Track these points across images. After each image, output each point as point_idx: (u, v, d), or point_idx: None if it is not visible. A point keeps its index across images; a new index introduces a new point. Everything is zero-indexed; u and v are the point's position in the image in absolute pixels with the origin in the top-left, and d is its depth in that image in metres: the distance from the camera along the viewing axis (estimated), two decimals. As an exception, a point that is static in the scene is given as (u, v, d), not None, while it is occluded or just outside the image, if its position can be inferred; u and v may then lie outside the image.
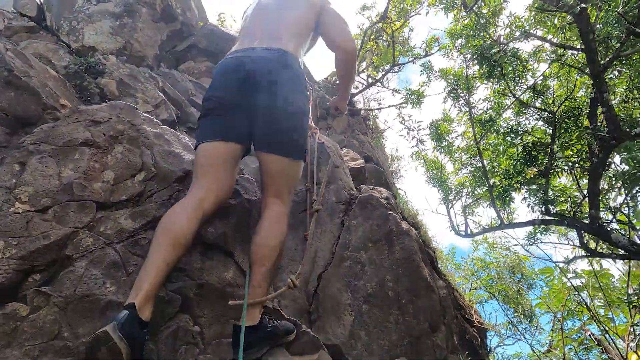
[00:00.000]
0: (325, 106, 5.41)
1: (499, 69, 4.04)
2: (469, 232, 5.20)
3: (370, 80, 5.75)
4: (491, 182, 4.53)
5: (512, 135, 4.27)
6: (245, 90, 1.64)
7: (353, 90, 5.91)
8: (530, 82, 4.33)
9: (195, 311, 1.59)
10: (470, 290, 6.87)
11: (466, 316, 4.27)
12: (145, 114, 2.02)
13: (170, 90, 2.64)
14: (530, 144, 4.06)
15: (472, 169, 4.73)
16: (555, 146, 3.86)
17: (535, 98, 4.24)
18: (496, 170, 4.52)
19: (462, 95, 4.57)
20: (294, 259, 2.40)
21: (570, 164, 3.89)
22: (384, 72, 5.50)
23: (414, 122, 5.05)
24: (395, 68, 5.68)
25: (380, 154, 6.50)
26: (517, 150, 4.30)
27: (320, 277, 2.32)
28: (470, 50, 4.40)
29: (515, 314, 5.88)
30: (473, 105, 4.50)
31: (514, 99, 4.29)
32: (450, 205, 5.58)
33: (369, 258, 2.45)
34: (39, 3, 3.07)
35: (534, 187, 4.04)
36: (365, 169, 3.83)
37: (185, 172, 1.90)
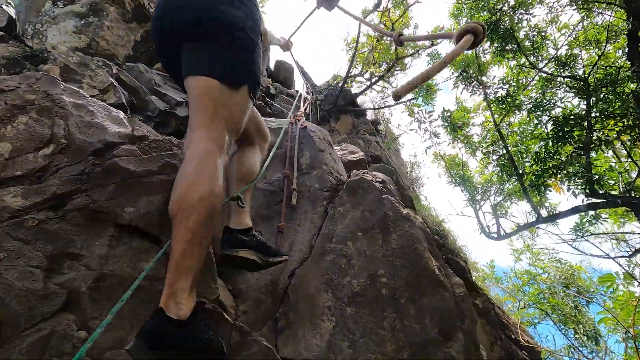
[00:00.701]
0: (326, 109, 5.08)
1: (513, 41, 3.54)
2: (501, 233, 4.48)
3: (374, 79, 5.38)
4: (520, 170, 3.88)
5: (539, 112, 3.67)
6: None
7: (355, 90, 5.55)
8: (553, 54, 3.76)
9: (88, 311, 1.17)
10: (518, 309, 5.96)
11: (512, 336, 3.52)
12: (67, 85, 1.72)
13: (127, 78, 2.39)
14: (561, 119, 3.43)
15: (496, 157, 4.11)
16: (591, 118, 3.22)
17: (561, 69, 3.65)
18: (524, 155, 3.87)
19: (473, 76, 4.06)
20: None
21: (615, 134, 3.21)
22: (387, 68, 5.11)
23: (424, 112, 4.56)
24: (400, 66, 5.28)
25: (395, 159, 5.98)
26: (547, 129, 3.67)
27: (292, 273, 1.84)
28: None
29: (576, 335, 4.92)
30: (487, 84, 3.97)
31: (535, 74, 3.73)
32: (477, 206, 4.90)
33: (357, 250, 1.94)
34: (9, 14, 3.01)
35: (573, 167, 3.37)
36: (365, 161, 3.37)
37: (107, 143, 1.55)
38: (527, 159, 3.84)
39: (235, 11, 1.31)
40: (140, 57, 3.29)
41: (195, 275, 1.05)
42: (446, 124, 4.47)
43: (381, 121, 6.58)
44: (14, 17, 2.98)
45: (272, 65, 6.82)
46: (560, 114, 3.56)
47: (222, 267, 1.85)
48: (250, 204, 1.62)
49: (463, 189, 4.95)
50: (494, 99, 3.86)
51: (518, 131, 4.02)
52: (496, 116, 3.99)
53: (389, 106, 5.48)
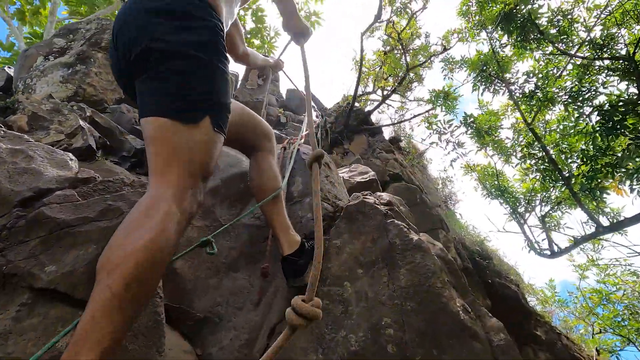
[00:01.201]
0: (337, 130, 4.78)
1: (534, 29, 3.11)
2: (554, 249, 3.81)
3: (385, 93, 5.05)
4: (566, 173, 3.31)
5: (578, 103, 3.13)
6: None
7: (369, 108, 5.23)
8: (585, 37, 3.27)
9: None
10: (592, 336, 5.03)
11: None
12: (10, 132, 1.56)
13: (102, 120, 2.25)
14: (608, 107, 2.88)
15: (534, 161, 3.54)
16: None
17: (599, 52, 3.13)
18: (569, 155, 3.30)
19: (493, 74, 3.62)
20: (242, 306, 1.61)
21: (682, 116, 2.61)
22: (398, 80, 4.78)
23: (443, 123, 4.12)
24: (416, 77, 4.94)
25: (421, 176, 5.50)
26: (591, 121, 3.11)
27: (273, 330, 1.47)
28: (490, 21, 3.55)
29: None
30: (511, 81, 3.50)
31: (567, 61, 3.24)
32: (522, 220, 4.26)
33: (356, 292, 1.54)
34: (9, 73, 3.08)
35: (633, 163, 2.77)
36: (377, 181, 2.98)
37: (38, 191, 1.34)
38: (573, 160, 3.26)
39: (185, 35, 1.06)
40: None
41: (104, 352, 0.74)
42: (470, 130, 3.99)
43: (402, 137, 6.18)
44: (12, 76, 3.03)
45: (283, 94, 6.74)
46: (605, 101, 3.00)
47: (187, 326, 1.53)
48: (234, 242, 1.74)
49: (502, 201, 4.36)
50: (520, 96, 3.37)
51: (557, 129, 3.46)
52: (527, 115, 3.48)
53: (402, 121, 5.08)
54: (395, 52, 5.10)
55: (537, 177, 3.54)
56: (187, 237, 1.81)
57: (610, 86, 3.10)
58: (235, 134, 1.48)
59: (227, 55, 1.17)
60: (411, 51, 4.78)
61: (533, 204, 4.24)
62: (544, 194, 3.97)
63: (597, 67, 3.15)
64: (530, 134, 3.41)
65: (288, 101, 6.28)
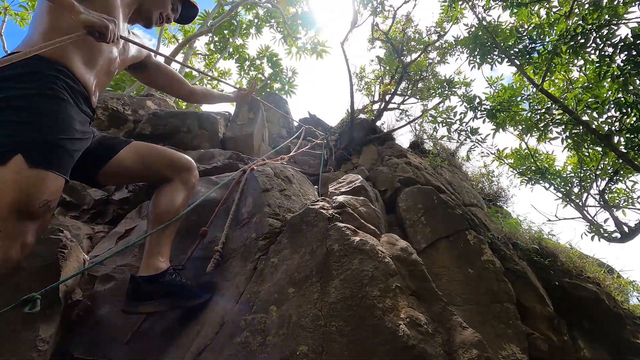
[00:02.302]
0: (342, 147, 4.54)
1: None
2: (625, 230, 3.03)
3: (387, 97, 4.73)
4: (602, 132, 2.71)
5: (592, 45, 2.60)
6: None
7: (366, 116, 4.93)
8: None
9: None
10: None
11: None
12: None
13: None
14: (630, 40, 2.34)
15: (561, 128, 2.93)
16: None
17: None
18: (600, 110, 2.68)
19: (488, 44, 3.17)
20: (168, 347, 1.40)
21: None
22: (397, 81, 4.46)
23: (449, 112, 3.67)
24: (415, 73, 4.61)
25: (451, 175, 4.93)
26: (615, 62, 2.54)
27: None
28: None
29: None
30: (509, 44, 3.04)
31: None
32: (579, 201, 3.51)
33: (280, 317, 1.25)
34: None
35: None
36: (364, 187, 2.64)
37: None
38: (607, 116, 2.64)
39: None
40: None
41: None
42: (480, 113, 3.49)
43: (425, 140, 5.73)
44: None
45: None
46: (629, 35, 2.46)
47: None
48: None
49: (546, 185, 3.68)
50: (519, 54, 2.88)
51: (578, 83, 2.85)
52: (537, 78, 2.96)
53: (408, 123, 4.66)
54: (392, 53, 4.84)
55: (569, 144, 2.90)
56: (126, 280, 1.69)
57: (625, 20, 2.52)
58: (142, 171, 1.49)
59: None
60: (405, 48, 4.48)
61: (588, 182, 3.50)
62: (595, 165, 3.26)
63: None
64: (547, 99, 2.86)
65: (298, 128, 6.25)
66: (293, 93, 11.46)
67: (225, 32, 10.47)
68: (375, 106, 4.97)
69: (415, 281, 1.34)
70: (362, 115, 5.07)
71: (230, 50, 10.51)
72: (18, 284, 1.26)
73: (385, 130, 4.68)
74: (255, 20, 10.58)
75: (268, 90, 10.87)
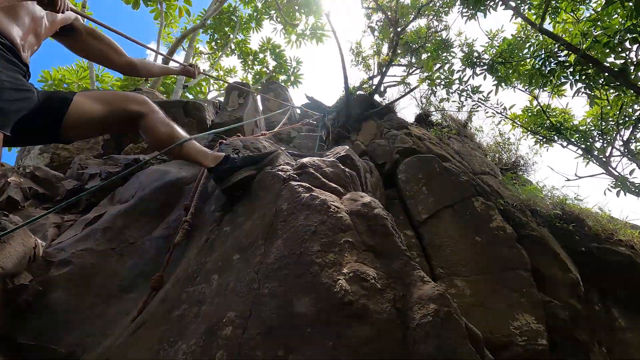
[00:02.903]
0: (340, 125, 4.33)
1: None
2: (654, 179, 2.68)
3: (384, 65, 4.46)
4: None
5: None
6: None
7: (389, 94, 4.68)
8: None
9: None
10: None
11: None
12: None
13: (40, 173, 2.31)
14: None
15: (569, 71, 2.60)
16: None
17: None
18: (612, 44, 2.34)
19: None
20: (112, 333, 1.29)
21: None
22: (391, 47, 4.19)
23: (445, 71, 3.38)
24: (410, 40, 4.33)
25: (460, 145, 4.62)
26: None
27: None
28: None
29: None
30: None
31: None
32: (602, 156, 3.16)
33: (219, 286, 1.12)
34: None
35: None
36: (350, 157, 2.44)
37: None
38: (618, 49, 2.30)
39: None
40: (115, 149, 3.34)
41: None
42: (480, 69, 3.19)
43: (431, 112, 5.44)
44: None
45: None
46: None
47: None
48: (139, 258, 1.65)
49: (564, 143, 3.36)
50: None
51: (583, 19, 2.51)
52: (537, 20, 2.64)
53: (407, 93, 4.38)
54: (385, 24, 4.58)
55: (580, 88, 2.57)
56: (84, 264, 1.60)
57: None
58: (106, 112, 1.39)
59: None
60: (398, 14, 4.20)
61: (611, 133, 3.15)
62: (617, 111, 2.91)
63: None
64: (550, 41, 2.54)
65: (305, 114, 6.09)
66: (299, 83, 11.30)
67: (226, 29, 10.43)
68: (376, 81, 4.72)
69: (374, 236, 1.16)
70: (360, 93, 4.84)
71: (232, 46, 10.47)
72: (-54, 268, 1.19)
73: (381, 105, 4.43)
74: (255, 14, 10.46)
75: (267, 80, 10.73)
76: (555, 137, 3.37)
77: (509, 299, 2.30)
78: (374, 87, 4.82)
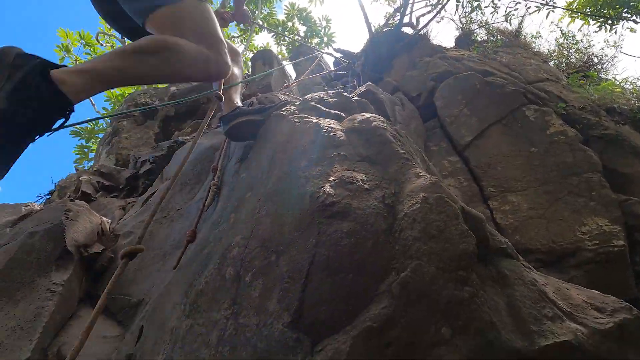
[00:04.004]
0: (369, 68, 4.11)
1: None
2: None
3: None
4: None
5: None
6: None
7: (392, 25, 4.32)
8: None
9: None
10: None
11: None
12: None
13: (104, 168, 2.66)
14: None
15: None
16: None
17: None
18: None
19: None
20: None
21: None
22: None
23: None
24: None
25: (510, 58, 4.09)
26: None
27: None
28: None
29: None
30: None
31: None
32: None
33: (235, 220, 1.21)
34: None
35: None
36: (372, 91, 2.32)
37: None
38: None
39: None
40: (164, 138, 3.67)
41: None
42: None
43: (474, 30, 4.95)
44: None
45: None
46: None
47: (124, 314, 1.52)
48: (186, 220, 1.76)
49: (635, 16, 2.83)
50: None
51: None
52: None
53: (432, 18, 3.93)
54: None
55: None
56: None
57: None
58: None
59: None
60: None
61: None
62: None
63: None
64: None
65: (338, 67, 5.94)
66: (333, 42, 10.91)
67: (251, 7, 10.42)
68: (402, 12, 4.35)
69: (371, 147, 1.12)
70: (387, 30, 4.52)
71: (260, 22, 10.44)
72: (33, 244, 1.47)
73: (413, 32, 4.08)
74: (274, -19, 10.22)
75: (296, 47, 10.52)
76: (627, 13, 2.83)
77: (574, 205, 2.06)
78: (401, 20, 4.45)
